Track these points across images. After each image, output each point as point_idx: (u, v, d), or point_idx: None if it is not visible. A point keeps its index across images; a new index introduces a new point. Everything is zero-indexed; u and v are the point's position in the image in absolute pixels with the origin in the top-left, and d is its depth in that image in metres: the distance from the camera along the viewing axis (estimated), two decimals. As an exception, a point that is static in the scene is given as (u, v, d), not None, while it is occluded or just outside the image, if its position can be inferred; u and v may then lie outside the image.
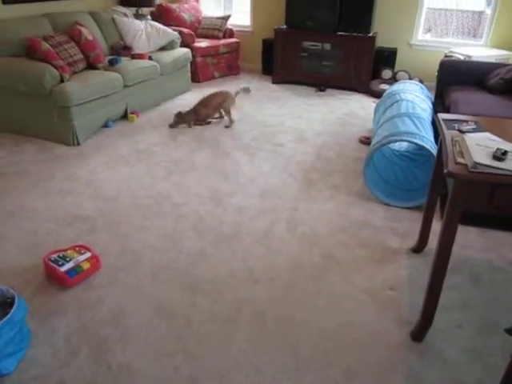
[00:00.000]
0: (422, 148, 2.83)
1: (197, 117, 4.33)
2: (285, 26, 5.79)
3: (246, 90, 4.95)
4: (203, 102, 4.36)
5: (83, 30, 4.23)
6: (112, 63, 4.38)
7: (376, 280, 2.29)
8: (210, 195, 3.09)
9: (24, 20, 4.07)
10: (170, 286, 2.21)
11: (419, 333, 1.89)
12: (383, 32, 5.82)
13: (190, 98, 5.26)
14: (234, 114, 4.52)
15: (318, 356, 1.84)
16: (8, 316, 1.69)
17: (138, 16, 5.50)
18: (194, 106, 4.35)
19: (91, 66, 4.21)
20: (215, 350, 1.86)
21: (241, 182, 3.30)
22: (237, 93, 4.56)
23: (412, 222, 2.80)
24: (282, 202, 3.03)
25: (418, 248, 2.49)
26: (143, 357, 1.82)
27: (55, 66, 3.70)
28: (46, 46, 3.77)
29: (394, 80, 5.57)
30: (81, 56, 4.09)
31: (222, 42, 6.09)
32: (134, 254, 2.45)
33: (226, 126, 4.35)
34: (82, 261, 2.22)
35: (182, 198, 3.04)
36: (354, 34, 5.47)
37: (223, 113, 4.46)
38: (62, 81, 3.71)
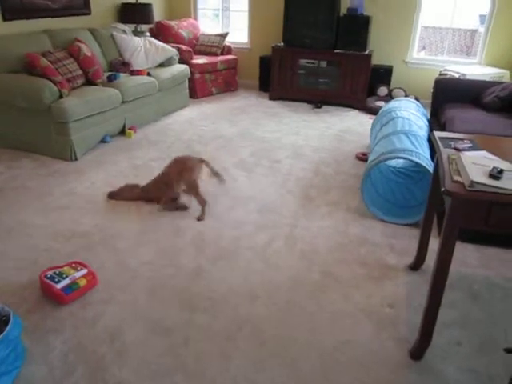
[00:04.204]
0: (418, 165, 2.85)
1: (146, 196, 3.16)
2: (282, 44, 5.87)
3: (219, 178, 3.13)
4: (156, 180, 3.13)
5: (82, 46, 4.27)
6: (111, 79, 4.41)
7: (374, 298, 2.28)
8: (208, 211, 3.08)
9: (24, 36, 4.10)
10: (167, 304, 2.20)
11: (418, 351, 1.88)
12: (379, 50, 5.91)
13: (187, 114, 5.31)
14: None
15: (317, 374, 1.82)
16: (2, 334, 1.67)
17: (136, 33, 5.56)
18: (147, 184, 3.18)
19: (90, 81, 4.23)
20: (214, 368, 1.84)
21: (239, 197, 3.31)
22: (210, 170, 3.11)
23: (410, 239, 2.81)
24: (280, 218, 3.03)
25: (416, 265, 2.49)
26: (141, 375, 1.79)
27: (54, 82, 3.72)
28: (45, 61, 3.80)
29: (389, 97, 5.64)
30: (80, 72, 4.13)
31: (220, 58, 6.16)
32: (131, 271, 2.44)
33: (199, 219, 2.99)
34: (79, 277, 2.21)
35: (179, 214, 3.04)
36: (351, 51, 5.55)
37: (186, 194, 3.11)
38: (60, 96, 3.73)
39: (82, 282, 2.20)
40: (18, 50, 3.93)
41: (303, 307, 2.21)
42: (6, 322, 1.74)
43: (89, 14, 5.12)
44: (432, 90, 4.16)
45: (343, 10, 5.67)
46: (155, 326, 2.06)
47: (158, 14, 6.25)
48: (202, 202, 3.02)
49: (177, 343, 1.96)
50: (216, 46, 6.27)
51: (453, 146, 1.95)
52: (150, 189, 3.15)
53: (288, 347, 1.96)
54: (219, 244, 2.72)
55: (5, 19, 4.14)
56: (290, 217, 3.06)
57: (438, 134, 2.13)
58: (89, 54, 4.26)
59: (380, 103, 5.53)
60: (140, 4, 5.57)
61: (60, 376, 1.78)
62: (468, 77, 4.93)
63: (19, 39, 4.03)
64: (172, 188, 3.04)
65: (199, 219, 2.98)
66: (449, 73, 5.26)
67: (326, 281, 2.41)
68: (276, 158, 4.08)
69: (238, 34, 6.73)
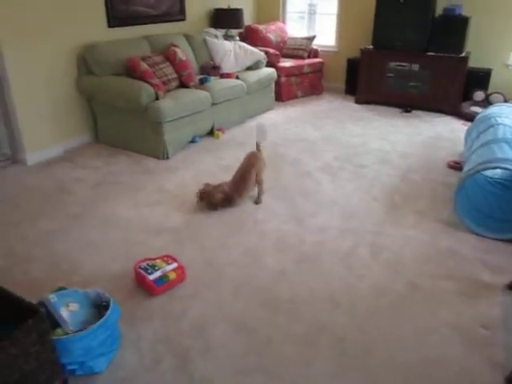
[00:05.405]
0: (521, 176, 2.64)
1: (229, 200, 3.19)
2: (371, 46, 5.72)
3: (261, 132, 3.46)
4: (235, 181, 3.23)
5: (178, 50, 4.49)
6: (202, 82, 4.60)
7: (465, 316, 2.15)
8: (292, 214, 3.11)
9: (126, 42, 4.41)
10: (250, 303, 2.24)
11: (516, 378, 1.74)
12: (477, 52, 5.54)
13: (272, 117, 5.37)
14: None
15: (401, 390, 1.76)
16: (103, 318, 1.81)
17: (227, 37, 5.73)
18: (225, 187, 3.19)
19: (183, 84, 4.44)
20: (294, 372, 1.85)
21: (323, 202, 3.28)
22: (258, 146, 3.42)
23: (507, 256, 2.61)
24: (364, 225, 2.96)
25: (515, 285, 2.31)
26: (224, 372, 1.85)
27: (151, 84, 3.95)
28: (144, 66, 4.05)
29: (486, 102, 5.27)
30: (175, 75, 4.35)
31: (307, 61, 6.15)
32: (216, 269, 2.52)
33: (256, 203, 3.28)
34: (169, 271, 2.33)
35: (263, 216, 3.09)
36: (445, 54, 5.26)
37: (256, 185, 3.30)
38: (157, 98, 3.95)
39: (172, 276, 2.31)
40: (121, 54, 4.22)
41: (386, 318, 2.14)
42: (106, 307, 1.88)
43: (184, 19, 5.37)
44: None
45: (438, 11, 5.41)
46: (238, 324, 2.11)
47: (247, 18, 6.38)
48: (263, 191, 3.32)
49: (259, 343, 1.99)
50: (303, 49, 6.27)
51: None
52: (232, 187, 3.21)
53: (369, 358, 1.91)
54: (302, 248, 2.72)
55: (110, 26, 4.47)
56: (374, 224, 2.98)
57: (548, 144, 1.96)
58: (183, 58, 4.47)
59: (476, 109, 5.19)
60: (232, 9, 5.74)
61: (149, 364, 1.89)
62: None
63: (122, 44, 4.33)
64: (249, 181, 3.21)
65: (257, 202, 3.28)
66: (558, 76, 4.80)
67: (410, 292, 2.31)
68: (361, 162, 3.99)
69: (324, 37, 6.68)
